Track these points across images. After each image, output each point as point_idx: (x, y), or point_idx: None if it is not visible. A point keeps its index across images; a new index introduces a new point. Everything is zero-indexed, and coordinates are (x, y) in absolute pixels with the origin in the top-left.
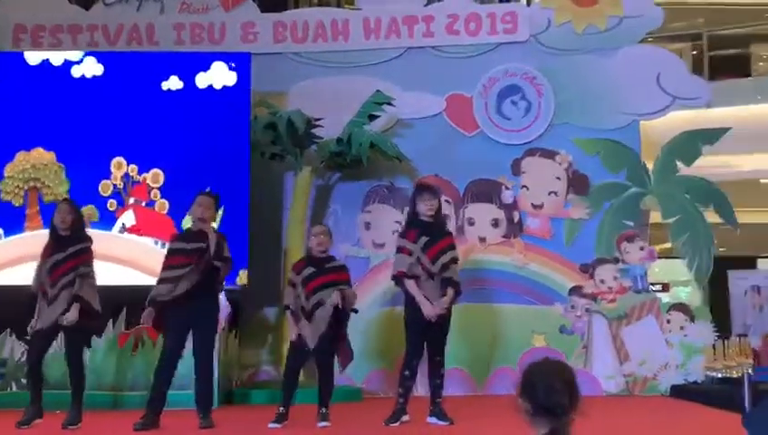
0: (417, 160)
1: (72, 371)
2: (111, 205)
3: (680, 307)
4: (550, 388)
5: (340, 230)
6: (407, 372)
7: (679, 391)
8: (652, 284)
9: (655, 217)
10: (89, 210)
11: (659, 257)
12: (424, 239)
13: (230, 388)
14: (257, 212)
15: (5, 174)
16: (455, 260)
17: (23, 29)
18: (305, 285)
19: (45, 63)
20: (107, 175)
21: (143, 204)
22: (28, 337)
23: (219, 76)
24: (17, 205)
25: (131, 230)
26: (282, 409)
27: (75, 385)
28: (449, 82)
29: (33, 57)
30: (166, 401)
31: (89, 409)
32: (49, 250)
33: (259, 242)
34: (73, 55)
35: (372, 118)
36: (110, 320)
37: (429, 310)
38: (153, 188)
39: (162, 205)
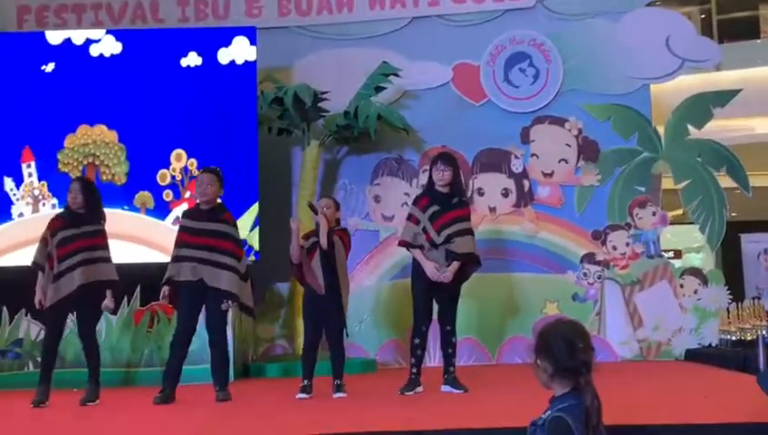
0: (425, 132)
1: (88, 347)
2: (168, 195)
3: (693, 272)
4: (572, 346)
5: (349, 204)
6: (416, 340)
7: (694, 355)
8: (664, 250)
9: (666, 183)
10: (144, 197)
11: (671, 224)
12: (433, 209)
13: (246, 362)
14: (266, 188)
15: (65, 144)
16: (466, 232)
17: (27, 10)
18: (308, 253)
19: (66, 43)
20: (166, 164)
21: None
22: (37, 313)
23: (225, 52)
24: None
25: None
26: (306, 381)
27: (93, 362)
28: (456, 51)
29: (54, 36)
30: (181, 376)
31: (104, 386)
32: (59, 224)
33: (269, 217)
34: (95, 34)
35: (379, 90)
36: (126, 298)
37: (432, 272)
38: None
39: None
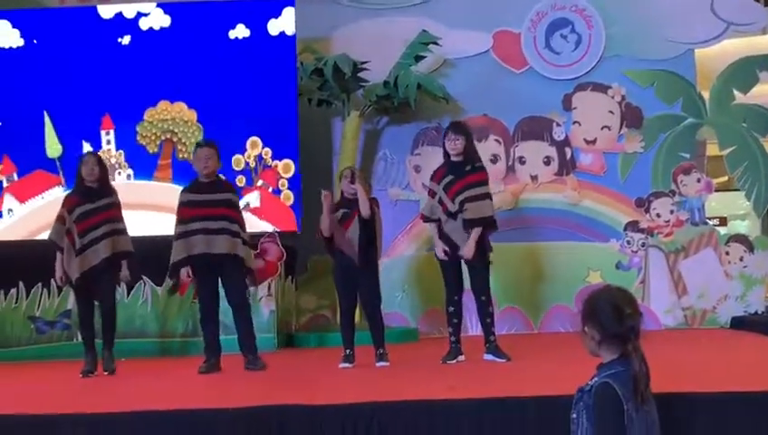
0: (466, 100)
1: (108, 318)
2: (240, 180)
3: (739, 238)
4: (619, 312)
5: (389, 174)
6: (450, 308)
7: (739, 323)
8: (709, 218)
9: (711, 149)
10: None
11: (716, 191)
12: (448, 179)
13: (289, 332)
14: (307, 159)
15: (145, 117)
16: (482, 196)
17: None
18: (343, 224)
19: (118, 16)
20: (241, 150)
21: (270, 190)
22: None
23: (264, 24)
24: (151, 152)
25: (254, 211)
26: (348, 351)
27: (109, 333)
28: (496, 18)
29: (106, 11)
30: (220, 344)
31: (151, 355)
32: (75, 200)
33: (311, 188)
34: (145, 7)
35: (419, 59)
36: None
37: (440, 253)
38: (282, 178)
39: (287, 196)
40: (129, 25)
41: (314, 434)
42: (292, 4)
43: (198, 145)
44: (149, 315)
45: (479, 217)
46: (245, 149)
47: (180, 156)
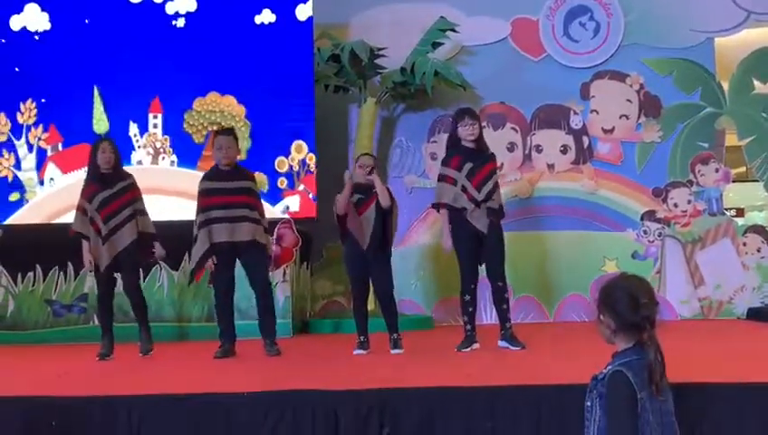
0: (483, 88)
1: (137, 300)
2: (282, 182)
3: (757, 229)
4: (635, 301)
5: (405, 161)
6: (466, 297)
7: (756, 314)
8: (727, 209)
9: (730, 139)
10: (259, 176)
11: (734, 181)
12: (468, 166)
13: (304, 318)
14: (324, 145)
15: (194, 106)
16: (497, 186)
17: None
18: (356, 209)
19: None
20: (286, 153)
21: (310, 195)
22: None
23: (275, 10)
24: (197, 141)
25: (292, 214)
26: (362, 337)
27: (141, 313)
28: (514, 5)
29: None
30: (235, 330)
31: (166, 340)
32: (94, 189)
33: (326, 175)
34: None
35: (436, 46)
36: (187, 254)
37: (446, 244)
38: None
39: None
40: (157, 9)
41: (328, 420)
42: None
43: (217, 133)
44: (165, 300)
45: (500, 205)
46: (290, 152)
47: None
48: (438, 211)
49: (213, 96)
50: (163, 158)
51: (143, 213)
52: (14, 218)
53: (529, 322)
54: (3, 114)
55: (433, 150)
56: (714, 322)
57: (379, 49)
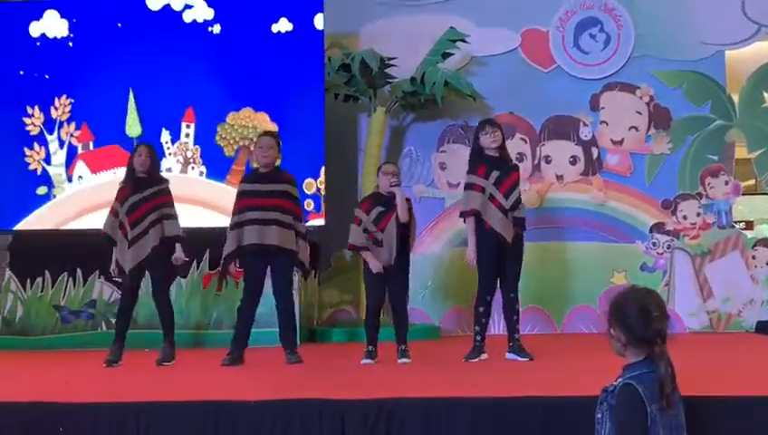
0: (492, 98)
1: (163, 309)
2: (309, 204)
3: (766, 242)
4: (646, 315)
5: (414, 171)
6: (481, 308)
7: (765, 327)
8: (736, 222)
9: (740, 152)
10: None
11: (743, 194)
12: (495, 174)
13: (311, 327)
14: (333, 154)
15: (227, 119)
16: (521, 196)
17: None
18: (377, 224)
19: (167, 8)
20: (315, 175)
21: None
22: (115, 280)
23: (291, 19)
24: (227, 155)
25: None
26: (371, 347)
27: (168, 323)
28: (524, 16)
29: (153, 3)
30: (249, 338)
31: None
32: (127, 192)
33: (335, 183)
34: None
35: (446, 56)
36: (195, 261)
37: (471, 256)
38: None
39: (310, 185)
40: (176, 18)
41: (335, 429)
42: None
43: (260, 134)
44: (174, 307)
45: (523, 217)
46: (319, 175)
47: (255, 165)
48: (465, 221)
49: (247, 111)
50: (192, 168)
51: (170, 217)
52: (40, 212)
53: (537, 333)
54: (37, 107)
55: (442, 160)
56: (722, 335)
57: (390, 59)
